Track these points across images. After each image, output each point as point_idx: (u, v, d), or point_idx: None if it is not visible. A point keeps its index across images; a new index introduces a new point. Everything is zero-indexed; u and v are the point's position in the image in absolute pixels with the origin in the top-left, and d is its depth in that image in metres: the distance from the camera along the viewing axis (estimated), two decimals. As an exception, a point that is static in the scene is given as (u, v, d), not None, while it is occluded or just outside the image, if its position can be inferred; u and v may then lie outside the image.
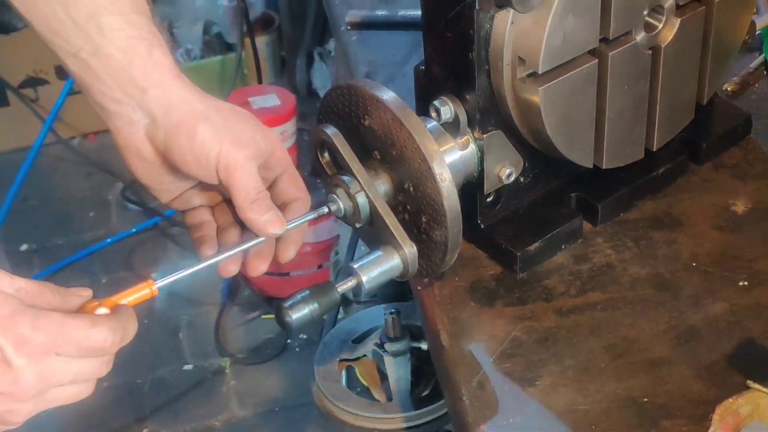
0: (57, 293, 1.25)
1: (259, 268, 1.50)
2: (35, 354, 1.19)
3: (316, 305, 1.46)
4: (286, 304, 1.46)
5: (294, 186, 1.54)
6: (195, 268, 1.44)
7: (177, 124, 1.43)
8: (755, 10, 1.82)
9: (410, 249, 1.53)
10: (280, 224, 1.44)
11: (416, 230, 1.55)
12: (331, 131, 1.57)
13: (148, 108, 1.45)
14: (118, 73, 1.43)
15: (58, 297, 1.25)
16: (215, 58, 4.48)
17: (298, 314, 1.45)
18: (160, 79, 1.45)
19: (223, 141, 1.41)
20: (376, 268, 1.53)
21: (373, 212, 1.55)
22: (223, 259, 1.47)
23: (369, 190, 1.54)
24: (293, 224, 1.48)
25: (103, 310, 1.29)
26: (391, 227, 1.54)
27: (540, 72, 1.54)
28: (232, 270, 1.50)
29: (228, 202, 1.55)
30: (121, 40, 1.43)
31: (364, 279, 1.52)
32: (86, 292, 1.29)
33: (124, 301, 1.32)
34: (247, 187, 1.43)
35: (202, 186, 1.54)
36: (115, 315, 1.28)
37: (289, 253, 1.52)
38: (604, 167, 1.71)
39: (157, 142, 1.46)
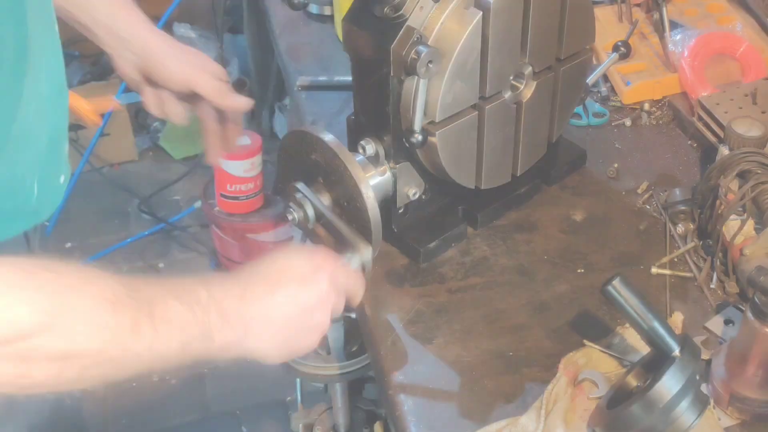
0: None
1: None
2: (329, 273, 1.34)
3: None
4: None
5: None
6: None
7: (154, 61, 1.65)
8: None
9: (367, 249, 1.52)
10: (247, 102, 1.72)
11: (349, 233, 1.54)
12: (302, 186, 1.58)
13: (134, 50, 1.66)
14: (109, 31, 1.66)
15: None
16: (205, 110, 4.44)
17: None
18: (139, 32, 1.66)
19: (184, 68, 1.65)
20: None
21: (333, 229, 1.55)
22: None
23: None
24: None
25: None
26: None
27: (437, 120, 1.53)
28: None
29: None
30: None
31: None
32: None
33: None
34: (213, 89, 1.65)
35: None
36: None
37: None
38: (482, 188, 1.69)
39: (143, 71, 1.67)
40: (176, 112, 1.74)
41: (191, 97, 1.70)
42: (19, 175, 1.39)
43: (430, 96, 1.51)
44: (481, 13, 1.48)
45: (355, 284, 1.41)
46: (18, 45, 1.29)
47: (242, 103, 1.69)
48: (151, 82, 1.68)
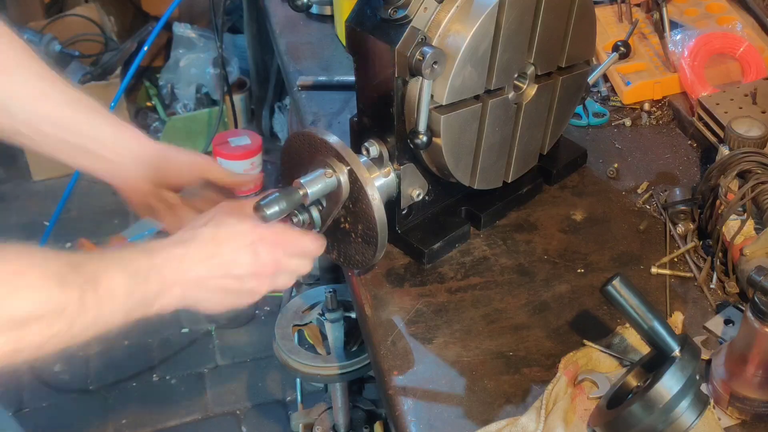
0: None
1: None
2: (270, 246, 1.38)
3: (284, 204, 1.46)
4: (262, 202, 1.44)
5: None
6: None
7: (167, 157, 1.62)
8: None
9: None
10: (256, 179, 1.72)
11: (354, 235, 1.54)
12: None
13: (144, 156, 1.61)
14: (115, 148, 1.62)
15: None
16: (204, 110, 4.45)
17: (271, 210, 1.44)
18: (145, 140, 1.64)
19: (195, 158, 1.64)
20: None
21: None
22: None
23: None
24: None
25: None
26: None
27: (444, 104, 1.52)
28: None
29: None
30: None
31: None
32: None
33: None
34: (223, 171, 1.65)
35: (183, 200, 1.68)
36: (314, 234, 1.49)
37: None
38: (475, 188, 1.70)
39: (155, 177, 1.61)
40: None
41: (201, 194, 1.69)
42: None
43: (439, 81, 1.50)
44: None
45: (310, 248, 1.46)
46: None
47: (251, 179, 1.72)
48: (163, 200, 1.65)
